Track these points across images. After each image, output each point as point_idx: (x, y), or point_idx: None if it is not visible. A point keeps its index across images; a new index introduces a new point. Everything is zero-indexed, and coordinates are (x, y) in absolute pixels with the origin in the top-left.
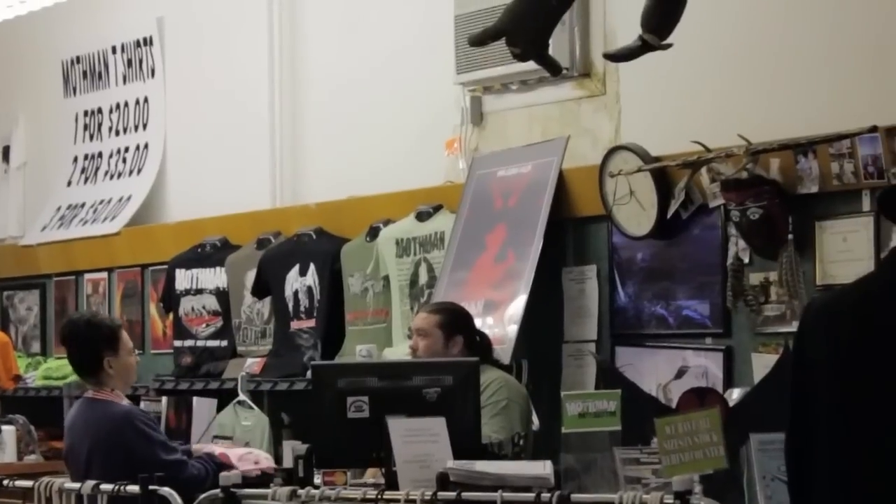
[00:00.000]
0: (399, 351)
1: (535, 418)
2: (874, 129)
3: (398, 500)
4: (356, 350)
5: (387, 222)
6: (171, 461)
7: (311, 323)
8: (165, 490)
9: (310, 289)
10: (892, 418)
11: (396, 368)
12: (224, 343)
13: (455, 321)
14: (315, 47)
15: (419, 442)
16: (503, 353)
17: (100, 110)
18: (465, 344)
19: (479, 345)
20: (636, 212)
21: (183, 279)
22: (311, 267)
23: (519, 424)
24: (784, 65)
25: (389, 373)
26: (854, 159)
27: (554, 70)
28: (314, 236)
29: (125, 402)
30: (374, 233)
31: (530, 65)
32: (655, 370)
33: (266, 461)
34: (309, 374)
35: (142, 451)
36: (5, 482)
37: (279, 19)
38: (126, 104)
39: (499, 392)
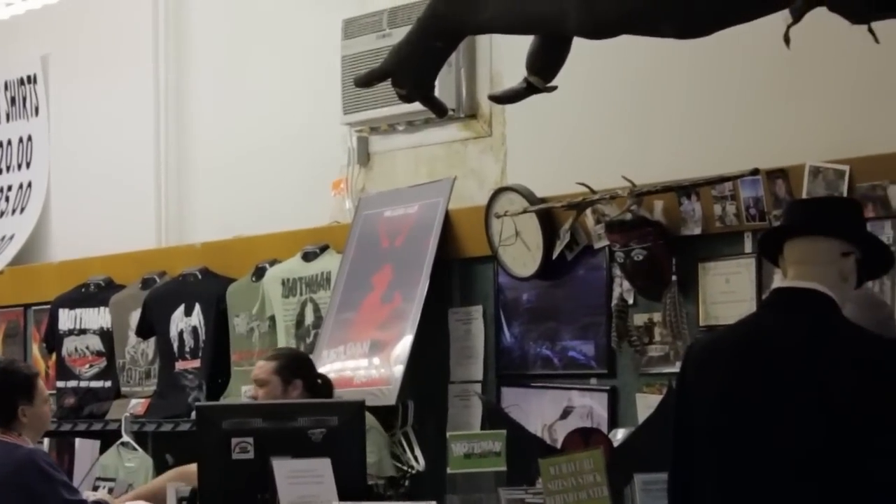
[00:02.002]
0: None
1: (420, 459)
2: (756, 171)
3: None
4: (241, 390)
5: (273, 262)
6: (75, 501)
7: (196, 363)
8: None
9: (195, 329)
10: (771, 457)
11: (281, 409)
12: (108, 384)
13: (291, 365)
14: (201, 86)
15: (304, 483)
16: (389, 393)
17: None
18: (305, 387)
19: (321, 388)
20: (522, 253)
21: (66, 319)
22: (197, 307)
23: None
24: (667, 108)
25: (274, 413)
26: (736, 201)
27: (440, 111)
28: (200, 276)
29: (30, 445)
30: (260, 273)
31: (417, 106)
32: (541, 410)
33: None
34: (193, 414)
35: (44, 491)
36: None
37: (165, 57)
38: (10, 142)
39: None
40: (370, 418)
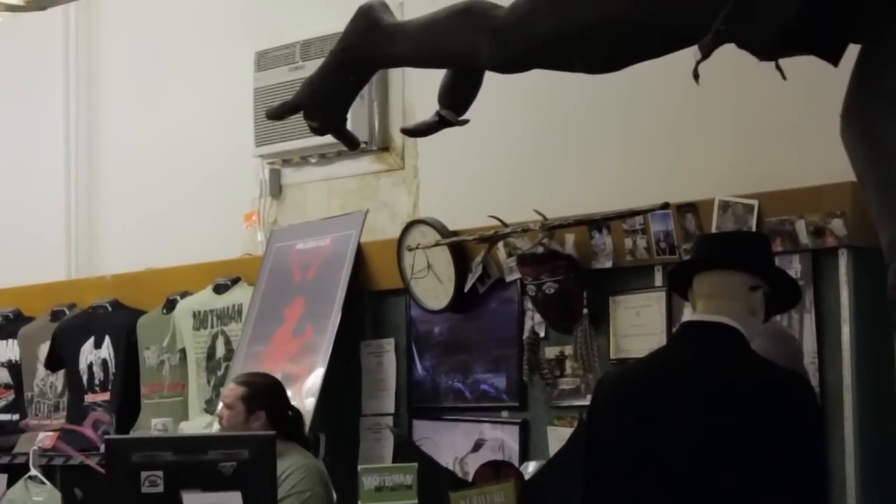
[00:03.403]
0: (196, 424)
1: (332, 493)
2: (666, 205)
3: None
4: (151, 423)
5: (184, 294)
6: None
7: (106, 396)
8: None
9: (105, 361)
10: (683, 489)
11: (191, 442)
12: (16, 416)
13: (257, 396)
14: (112, 117)
15: None
16: None
17: None
18: (269, 419)
19: (290, 420)
20: (434, 285)
21: None
22: (107, 339)
23: None
24: (579, 143)
25: (184, 446)
26: (647, 235)
27: (352, 144)
28: (110, 308)
29: None
30: (170, 305)
31: (329, 138)
32: (452, 443)
33: None
34: (103, 448)
35: None
36: None
37: (76, 87)
38: None
39: (302, 482)
40: (317, 477)
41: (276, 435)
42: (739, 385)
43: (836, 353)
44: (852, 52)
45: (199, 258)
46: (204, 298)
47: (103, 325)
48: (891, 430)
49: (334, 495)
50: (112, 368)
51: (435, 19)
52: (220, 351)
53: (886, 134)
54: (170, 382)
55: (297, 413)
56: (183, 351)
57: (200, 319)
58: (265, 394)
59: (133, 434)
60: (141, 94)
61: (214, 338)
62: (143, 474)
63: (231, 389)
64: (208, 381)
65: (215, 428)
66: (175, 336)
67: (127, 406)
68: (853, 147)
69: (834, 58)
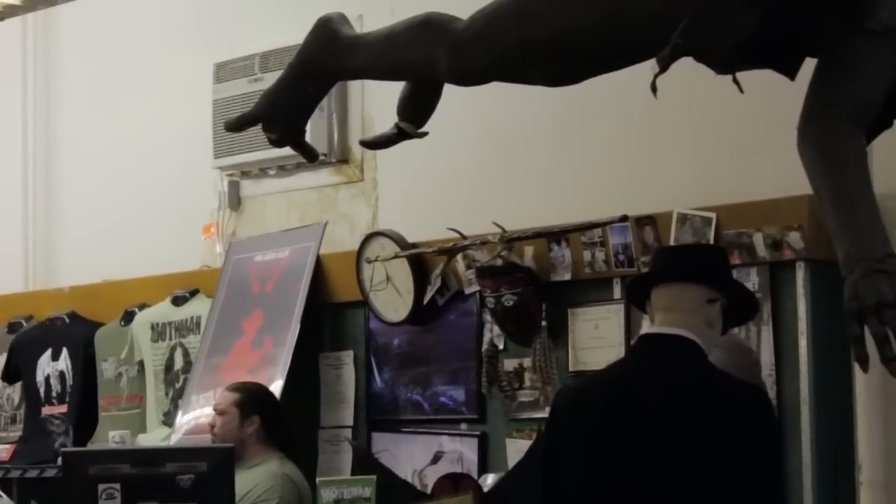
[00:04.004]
0: (154, 437)
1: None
2: (625, 218)
3: None
4: (109, 436)
5: (142, 306)
6: None
7: (63, 408)
8: None
9: (62, 374)
10: (641, 500)
11: (149, 455)
12: None
13: (253, 400)
14: (70, 128)
15: None
16: None
17: None
18: (263, 424)
19: (282, 427)
20: (393, 298)
21: None
22: (64, 351)
23: None
24: (537, 155)
25: (142, 459)
26: (605, 248)
27: (311, 157)
28: (67, 320)
29: None
30: (128, 317)
31: (288, 150)
32: (411, 456)
33: None
34: (60, 460)
35: None
36: None
37: (33, 98)
38: None
39: (268, 492)
40: (287, 490)
41: (268, 442)
42: (697, 397)
43: (793, 365)
44: (809, 65)
45: (158, 270)
46: (162, 310)
47: (61, 337)
48: (847, 443)
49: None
50: (69, 381)
51: (394, 31)
52: (179, 363)
53: (843, 147)
54: (127, 395)
55: (288, 422)
56: (141, 363)
57: (159, 331)
58: (259, 399)
59: (90, 446)
60: (99, 104)
61: (173, 350)
62: (101, 487)
63: (224, 396)
64: (166, 394)
65: (175, 440)
66: (133, 348)
67: (84, 418)
68: (810, 160)
69: (791, 71)
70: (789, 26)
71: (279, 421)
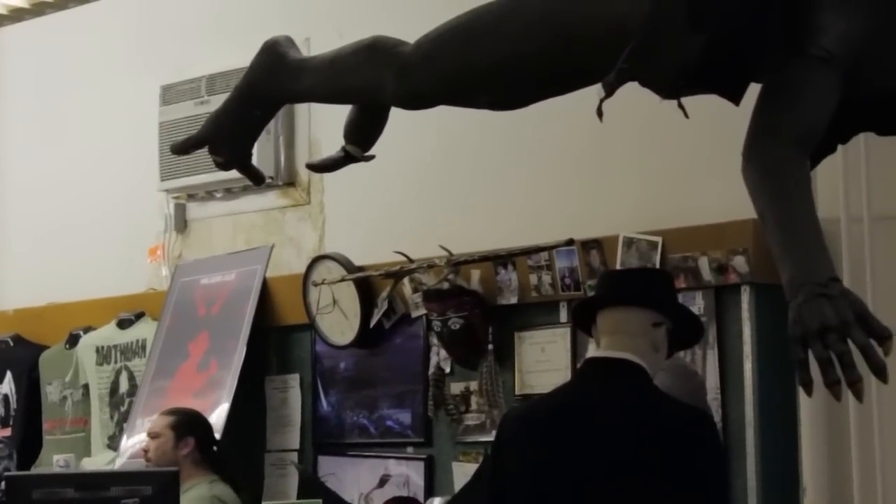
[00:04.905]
0: (99, 460)
1: None
2: (571, 242)
3: None
4: (53, 459)
5: (87, 329)
6: None
7: (7, 432)
8: None
9: (6, 397)
10: None
11: (94, 478)
12: None
13: (188, 423)
14: (14, 150)
15: None
16: None
17: None
18: (198, 447)
19: (219, 452)
20: (339, 321)
21: None
22: (8, 374)
23: None
24: (484, 179)
25: (87, 483)
26: (552, 271)
27: (257, 180)
28: (11, 343)
29: None
30: (73, 340)
31: (235, 173)
32: (357, 479)
33: None
34: (3, 484)
35: None
36: None
37: None
38: None
39: None
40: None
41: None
42: (642, 421)
43: (738, 388)
44: (753, 90)
45: (103, 293)
46: (107, 333)
47: (5, 360)
48: (792, 466)
49: None
50: (13, 404)
51: (340, 55)
52: (124, 386)
53: (786, 172)
54: (72, 418)
55: (223, 445)
56: (86, 386)
57: (104, 354)
58: (192, 422)
59: (34, 470)
60: (44, 126)
61: (118, 373)
62: None
63: (157, 420)
64: (111, 417)
65: (119, 464)
66: (78, 371)
67: (28, 442)
68: (755, 185)
69: (735, 97)
70: (734, 52)
71: (214, 443)
